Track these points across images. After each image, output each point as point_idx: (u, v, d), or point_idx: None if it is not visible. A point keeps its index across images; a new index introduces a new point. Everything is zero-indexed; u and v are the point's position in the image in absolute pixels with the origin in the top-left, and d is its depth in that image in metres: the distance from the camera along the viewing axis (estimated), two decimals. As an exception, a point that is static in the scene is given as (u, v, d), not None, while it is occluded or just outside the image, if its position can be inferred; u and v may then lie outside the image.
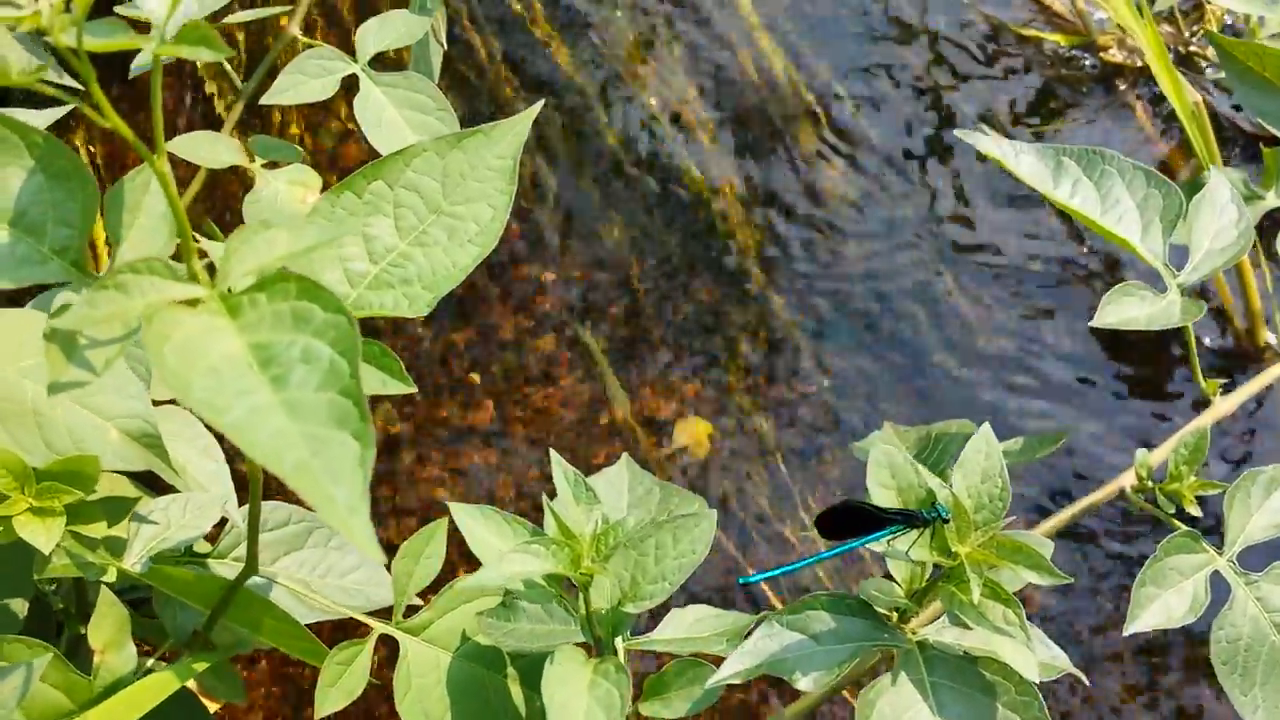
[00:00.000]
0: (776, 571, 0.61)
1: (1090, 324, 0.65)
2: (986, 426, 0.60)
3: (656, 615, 0.75)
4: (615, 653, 0.63)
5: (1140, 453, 0.67)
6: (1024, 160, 0.74)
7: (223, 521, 0.87)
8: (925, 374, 1.16)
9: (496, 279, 1.22)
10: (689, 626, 0.71)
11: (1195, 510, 0.69)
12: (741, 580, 0.61)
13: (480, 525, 0.61)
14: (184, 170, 0.93)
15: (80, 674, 0.70)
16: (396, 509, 1.13)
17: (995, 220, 1.22)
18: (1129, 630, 0.62)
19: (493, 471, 1.13)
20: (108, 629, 0.72)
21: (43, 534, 0.69)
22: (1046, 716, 0.57)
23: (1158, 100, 1.23)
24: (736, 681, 0.58)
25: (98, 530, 0.74)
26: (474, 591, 0.74)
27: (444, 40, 0.88)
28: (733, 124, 1.28)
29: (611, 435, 1.15)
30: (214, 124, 1.09)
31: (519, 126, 0.67)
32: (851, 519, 0.58)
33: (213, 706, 0.94)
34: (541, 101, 0.69)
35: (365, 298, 0.65)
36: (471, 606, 0.75)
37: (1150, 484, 0.68)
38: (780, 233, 1.23)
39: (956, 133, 0.75)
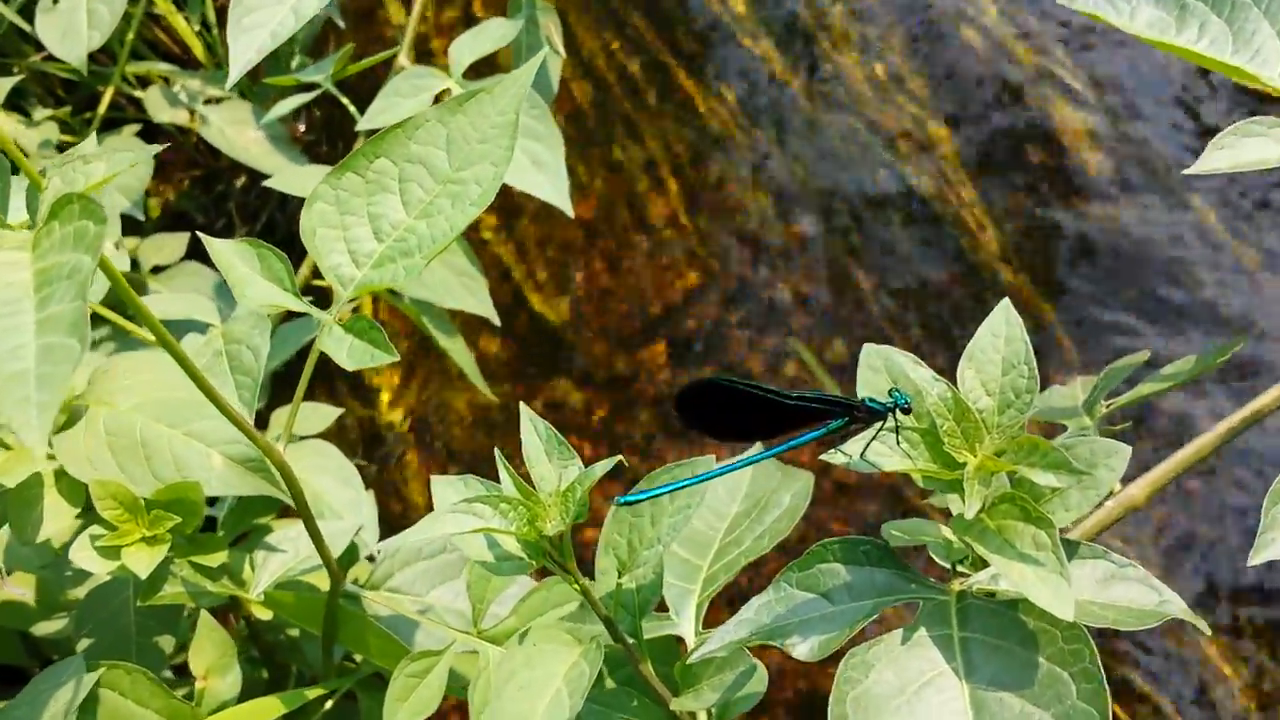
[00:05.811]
0: (665, 489, 0.50)
1: (1186, 172, 0.49)
2: (1006, 302, 0.47)
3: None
4: (638, 634, 0.55)
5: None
6: (1140, 14, 0.60)
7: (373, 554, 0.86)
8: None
9: (738, 304, 1.15)
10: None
11: None
12: (620, 500, 0.51)
13: (457, 495, 0.55)
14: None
15: (182, 700, 0.70)
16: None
17: None
18: (1256, 560, 0.45)
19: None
20: (209, 653, 0.71)
21: (145, 561, 0.70)
22: (1099, 669, 0.42)
23: None
24: (721, 655, 0.48)
25: (216, 559, 0.74)
26: (559, 596, 0.67)
27: (560, 49, 0.85)
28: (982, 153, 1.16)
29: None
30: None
31: (522, 79, 0.63)
32: (741, 409, 0.46)
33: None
34: (544, 50, 0.64)
35: (369, 277, 0.62)
36: (559, 612, 0.68)
37: (1320, 378, 0.50)
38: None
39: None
